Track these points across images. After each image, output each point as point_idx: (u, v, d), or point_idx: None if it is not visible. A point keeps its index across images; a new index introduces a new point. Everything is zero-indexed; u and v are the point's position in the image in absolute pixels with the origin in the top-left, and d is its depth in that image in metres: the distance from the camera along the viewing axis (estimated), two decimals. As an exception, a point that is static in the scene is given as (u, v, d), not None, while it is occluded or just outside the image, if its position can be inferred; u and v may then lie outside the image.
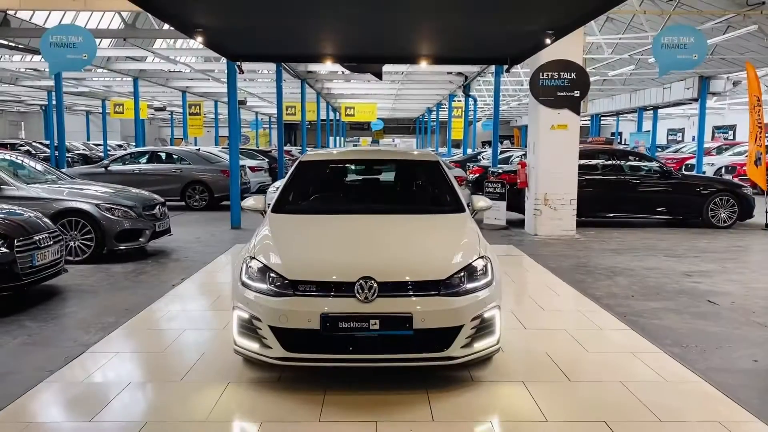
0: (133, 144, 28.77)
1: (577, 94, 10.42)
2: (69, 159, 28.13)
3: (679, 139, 39.76)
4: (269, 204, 5.00)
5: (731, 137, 34.64)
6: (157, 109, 35.12)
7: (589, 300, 6.24)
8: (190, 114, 28.21)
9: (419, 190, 5.68)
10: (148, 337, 5.00)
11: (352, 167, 6.20)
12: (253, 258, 4.03)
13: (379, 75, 10.75)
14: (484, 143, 36.55)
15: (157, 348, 4.73)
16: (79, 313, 5.73)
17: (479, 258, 4.04)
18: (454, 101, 27.30)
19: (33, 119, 46.22)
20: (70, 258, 7.84)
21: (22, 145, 30.23)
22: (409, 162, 5.82)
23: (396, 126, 58.10)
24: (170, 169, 14.54)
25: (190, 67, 19.06)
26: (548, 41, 7.15)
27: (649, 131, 27.29)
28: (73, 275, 7.14)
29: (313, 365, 3.80)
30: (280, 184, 5.63)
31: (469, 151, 24.96)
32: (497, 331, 3.99)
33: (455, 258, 3.97)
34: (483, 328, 3.88)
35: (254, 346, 3.87)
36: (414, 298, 3.73)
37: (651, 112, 28.36)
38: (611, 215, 11.75)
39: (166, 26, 13.55)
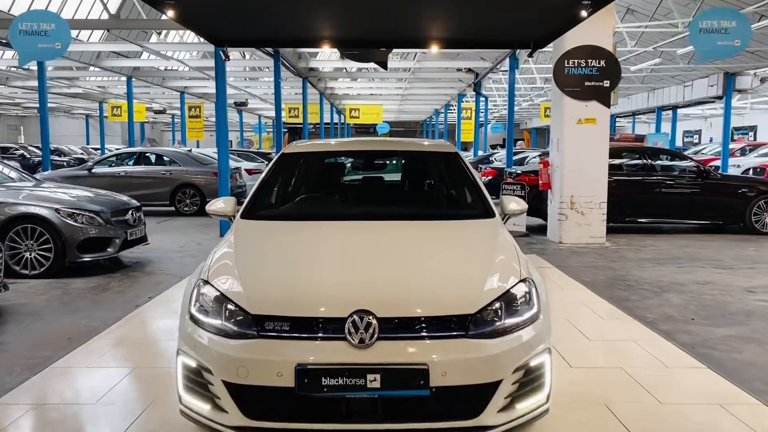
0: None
1: (606, 84, 9.26)
2: (65, 163, 27.27)
3: (696, 140, 38.45)
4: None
5: (752, 138, 33.32)
6: (157, 112, 34.13)
7: (641, 325, 5.07)
8: (189, 116, 27.16)
9: (434, 189, 4.53)
10: (83, 381, 3.86)
11: (349, 162, 5.06)
12: (207, 283, 2.91)
13: (384, 64, 9.62)
14: (492, 146, 35.33)
15: (88, 398, 3.59)
16: (8, 344, 4.61)
17: (520, 282, 2.90)
18: (464, 101, 26.16)
19: (32, 123, 45.37)
20: (26, 272, 6.76)
21: (16, 149, 29.38)
22: (420, 154, 4.66)
23: (402, 129, 57.00)
24: (159, 172, 13.45)
25: (185, 63, 18.00)
26: (584, 13, 6.00)
27: (667, 133, 26.04)
28: (19, 293, 6.05)
29: (285, 438, 2.66)
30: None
31: (480, 153, 23.77)
32: (547, 385, 2.84)
33: (488, 283, 2.83)
34: (528, 382, 2.74)
35: (204, 407, 2.73)
36: (430, 342, 2.60)
37: (669, 112, 27.13)
38: (643, 220, 10.54)
39: (153, 16, 12.49)
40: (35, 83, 23.19)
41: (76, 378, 3.90)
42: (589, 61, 9.20)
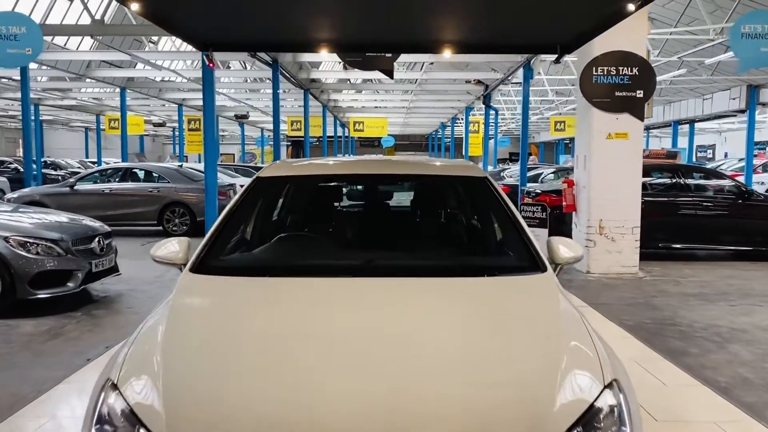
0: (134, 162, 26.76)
1: (640, 94, 8.23)
2: (60, 177, 26.34)
3: (710, 155, 37.33)
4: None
5: (770, 153, 32.18)
6: (157, 125, 33.27)
7: (716, 396, 4.00)
8: (189, 129, 26.27)
9: (459, 227, 3.46)
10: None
11: (346, 191, 3.97)
12: (116, 388, 1.87)
13: (390, 73, 8.64)
14: (499, 160, 34.31)
15: None
16: None
17: (605, 389, 1.85)
18: (472, 115, 25.19)
19: (31, 136, 44.55)
20: (-32, 311, 5.74)
21: (10, 163, 28.54)
22: (439, 180, 3.58)
23: (407, 143, 56.08)
24: (146, 189, 12.45)
25: (179, 74, 17.08)
26: (631, 7, 4.98)
27: (684, 148, 25.00)
28: (-51, 342, 5.02)
29: None
30: None
31: (490, 168, 22.70)
32: None
33: (559, 396, 1.79)
34: None
35: None
36: None
37: (683, 126, 26.09)
38: (678, 246, 9.46)
39: (141, 22, 11.56)
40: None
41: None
42: (620, 68, 8.18)
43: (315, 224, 3.35)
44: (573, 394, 1.81)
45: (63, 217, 6.97)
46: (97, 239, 6.59)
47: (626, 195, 8.28)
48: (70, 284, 6.17)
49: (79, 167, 31.32)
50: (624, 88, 8.20)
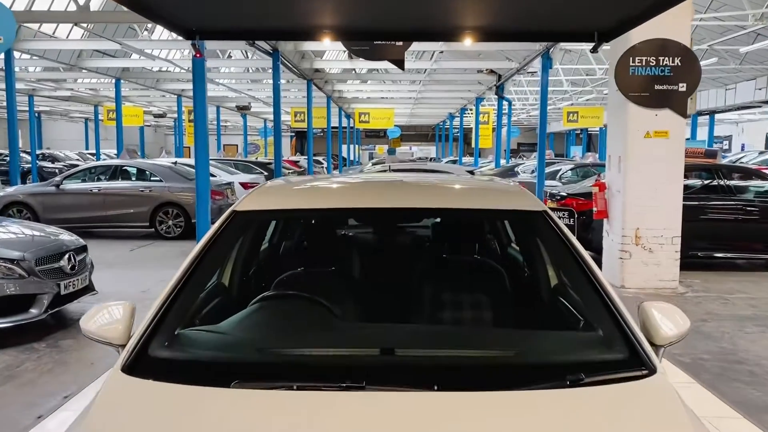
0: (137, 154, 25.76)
1: (682, 87, 7.31)
2: (56, 170, 25.53)
3: (726, 147, 36.22)
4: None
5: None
6: (157, 116, 32.41)
7: (826, 480, 3.14)
8: (189, 121, 25.41)
9: (508, 292, 2.50)
10: None
11: (349, 229, 2.99)
12: None
13: (401, 63, 7.72)
14: (512, 152, 33.31)
15: None
16: None
17: None
18: (482, 105, 24.22)
19: (26, 128, 43.82)
20: None
21: (7, 155, 27.80)
22: (476, 215, 2.63)
23: (414, 134, 55.10)
24: (137, 188, 11.60)
25: (174, 63, 16.18)
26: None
27: (704, 140, 23.99)
28: None
29: None
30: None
31: (502, 161, 21.70)
32: None
33: None
34: None
35: None
36: None
37: (704, 117, 25.09)
38: (719, 255, 8.56)
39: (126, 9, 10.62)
40: (20, 85, 21.55)
41: None
42: (661, 59, 7.26)
43: (309, 280, 2.46)
44: None
45: (31, 230, 6.13)
46: (67, 256, 5.74)
47: (666, 201, 7.38)
48: (34, 310, 5.34)
49: (77, 159, 30.52)
50: (664, 80, 7.28)
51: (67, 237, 6.14)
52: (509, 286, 2.48)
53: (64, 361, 4.88)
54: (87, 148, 38.14)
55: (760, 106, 20.37)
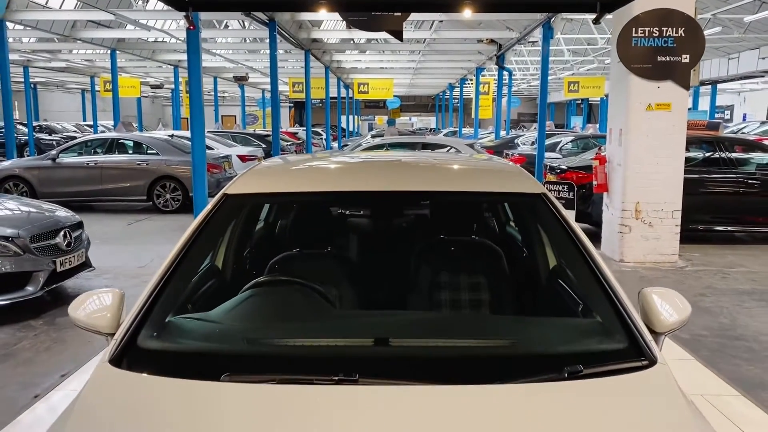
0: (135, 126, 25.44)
1: (685, 59, 7.18)
2: (54, 142, 25.31)
3: (728, 117, 35.95)
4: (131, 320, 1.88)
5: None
6: (154, 87, 32.08)
7: (823, 459, 3.14)
8: (186, 92, 25.12)
9: (507, 280, 2.46)
10: None
11: (345, 213, 2.90)
12: None
13: (399, 34, 7.57)
14: (512, 122, 33.04)
15: None
16: None
17: None
18: (482, 75, 23.94)
19: (22, 100, 43.44)
20: None
21: (2, 127, 27.57)
22: (478, 199, 2.58)
23: (413, 104, 54.67)
24: (134, 162, 11.52)
25: (170, 34, 15.93)
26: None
27: (705, 111, 23.78)
28: None
29: None
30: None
31: (502, 132, 21.51)
32: None
33: None
34: None
35: None
36: None
37: (704, 87, 24.82)
38: (720, 228, 8.52)
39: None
40: (14, 56, 21.28)
41: None
42: (664, 29, 7.12)
43: (303, 264, 2.40)
44: None
45: (27, 207, 6.07)
46: (63, 232, 5.70)
47: (667, 175, 7.31)
48: (30, 288, 5.31)
49: (75, 131, 30.27)
50: (667, 51, 7.15)
51: (62, 213, 6.08)
52: (507, 270, 2.44)
53: (62, 339, 4.87)
54: (84, 120, 37.84)
55: (763, 76, 20.13)
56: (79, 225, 6.09)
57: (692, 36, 7.18)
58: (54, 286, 5.60)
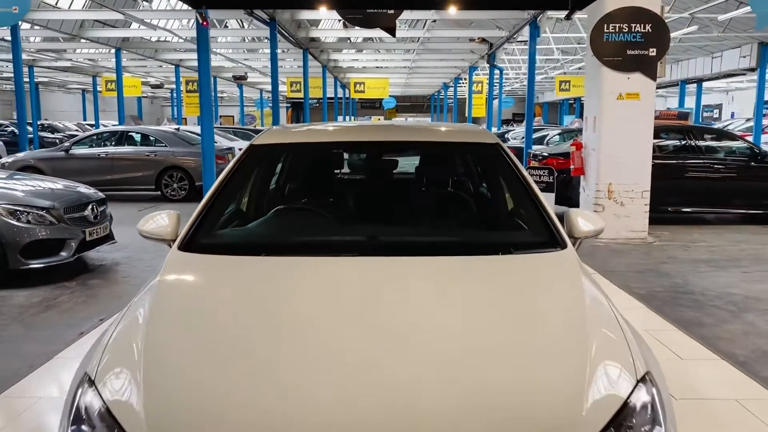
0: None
1: (653, 52, 7.89)
2: (57, 140, 25.95)
3: (716, 115, 36.76)
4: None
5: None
6: (154, 87, 32.72)
7: (735, 370, 3.83)
8: (187, 91, 25.78)
9: (469, 199, 3.23)
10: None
11: (347, 159, 3.72)
12: (93, 385, 1.68)
13: (392, 30, 8.27)
14: (505, 121, 33.84)
15: None
16: None
17: (638, 383, 1.66)
18: (475, 74, 24.65)
19: (27, 99, 44.00)
20: (-41, 281, 5.59)
21: (6, 126, 28.21)
22: (447, 147, 3.33)
23: (409, 104, 55.32)
24: (143, 153, 12.20)
25: (175, 34, 16.60)
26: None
27: (691, 108, 24.51)
28: (-62, 315, 4.86)
29: None
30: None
31: (493, 129, 22.27)
32: None
33: (588, 396, 1.59)
34: None
35: None
36: None
37: (691, 86, 25.55)
38: (688, 210, 9.23)
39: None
40: (23, 56, 21.88)
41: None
42: (633, 25, 7.83)
43: (314, 195, 3.12)
44: (603, 391, 1.61)
45: (56, 184, 6.74)
46: (90, 206, 6.38)
47: (637, 158, 8.02)
48: (63, 253, 5.99)
49: (76, 130, 30.88)
50: (636, 46, 7.86)
51: (87, 190, 6.76)
52: (468, 197, 3.18)
53: (95, 295, 5.55)
54: (85, 119, 38.45)
55: (744, 74, 20.85)
56: (104, 201, 6.77)
57: (659, 32, 7.88)
58: (83, 253, 6.28)
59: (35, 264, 5.79)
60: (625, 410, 1.58)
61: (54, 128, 29.89)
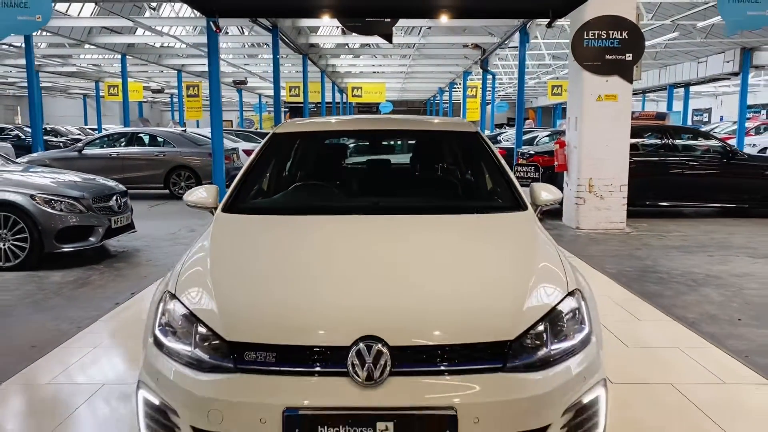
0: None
1: (629, 57, 8.57)
2: (61, 144, 26.56)
3: (706, 119, 37.56)
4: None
5: (765, 117, 32.45)
6: (155, 91, 33.38)
7: (683, 327, 4.49)
8: (188, 96, 26.39)
9: (452, 175, 3.92)
10: (40, 403, 3.30)
11: (352, 146, 4.43)
12: (174, 297, 2.31)
13: (389, 37, 8.94)
14: (498, 125, 34.54)
15: (48, 422, 3.03)
16: (-37, 353, 4.05)
17: (568, 295, 2.30)
18: (469, 79, 25.36)
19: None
20: (0, 264, 6.20)
21: (11, 130, 28.73)
22: (435, 134, 4.00)
23: (405, 109, 56.08)
24: (152, 153, 12.83)
25: (180, 40, 17.24)
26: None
27: (678, 111, 25.26)
28: (-12, 289, 5.49)
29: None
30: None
31: (487, 132, 23.00)
32: (601, 425, 2.26)
33: (529, 298, 2.23)
34: (580, 424, 2.16)
35: (169, 456, 2.16)
36: (458, 379, 2.01)
37: (680, 90, 26.30)
38: (664, 204, 9.91)
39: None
40: (25, 61, 22.48)
41: (33, 397, 3.34)
42: (611, 32, 8.51)
43: (326, 173, 3.80)
44: (540, 298, 2.25)
45: (79, 177, 7.35)
46: (114, 197, 7.01)
47: (615, 154, 8.69)
48: (92, 239, 6.62)
49: (78, 134, 31.51)
50: (614, 51, 8.54)
51: (110, 182, 7.39)
52: (452, 174, 3.86)
53: (123, 275, 6.17)
54: (86, 124, 39.06)
55: (729, 78, 21.57)
56: (125, 193, 7.39)
57: (634, 38, 8.57)
58: (109, 239, 6.91)
59: (67, 248, 6.41)
60: (556, 310, 2.22)
61: (57, 132, 30.46)
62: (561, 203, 9.30)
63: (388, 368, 1.98)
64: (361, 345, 2.00)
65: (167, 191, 12.71)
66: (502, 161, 3.45)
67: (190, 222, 9.48)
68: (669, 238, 8.22)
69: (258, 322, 2.13)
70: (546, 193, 3.32)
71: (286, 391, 1.98)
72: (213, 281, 2.33)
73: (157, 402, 2.16)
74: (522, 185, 3.41)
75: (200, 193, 3.31)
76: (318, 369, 2.01)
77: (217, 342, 2.11)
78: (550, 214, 9.92)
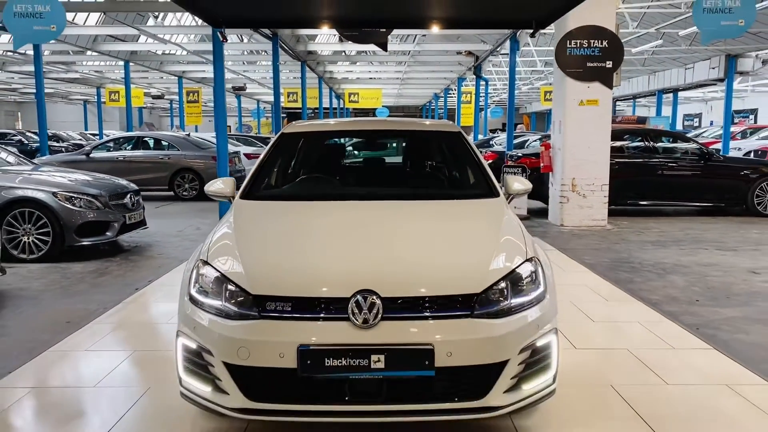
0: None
1: (609, 64, 9.14)
2: (63, 149, 27.08)
3: (696, 124, 38.26)
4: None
5: (752, 121, 33.16)
6: (155, 97, 33.89)
7: (646, 306, 5.02)
8: (188, 101, 26.98)
9: (437, 169, 4.47)
10: (82, 365, 3.82)
11: (351, 143, 5.00)
12: (207, 263, 2.84)
13: (384, 45, 9.49)
14: (492, 130, 35.16)
15: (87, 381, 3.55)
16: (6, 328, 4.56)
17: (526, 261, 2.84)
18: (464, 85, 25.98)
19: (30, 109, 45.02)
20: (24, 256, 6.71)
21: (14, 135, 29.20)
22: (423, 134, 4.57)
23: (401, 114, 56.73)
24: (157, 156, 13.35)
25: (182, 47, 17.80)
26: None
27: (667, 116, 25.88)
28: (18, 277, 6.00)
29: (287, 419, 2.61)
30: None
31: (480, 136, 23.65)
32: (554, 366, 2.79)
33: (493, 262, 2.77)
34: (535, 362, 2.69)
35: (205, 389, 2.68)
36: (435, 322, 2.55)
37: (669, 95, 26.96)
38: (644, 203, 10.47)
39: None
40: (32, 68, 23.03)
41: (74, 361, 3.86)
42: (592, 41, 9.09)
43: (329, 167, 4.36)
44: (503, 262, 2.78)
45: (93, 177, 7.87)
46: (128, 195, 7.53)
47: (596, 156, 9.24)
48: (109, 234, 7.14)
49: (80, 139, 32.04)
50: (595, 59, 9.11)
51: (123, 182, 7.92)
52: (437, 168, 4.42)
53: (139, 266, 6.69)
54: (86, 129, 39.58)
55: (715, 84, 22.20)
56: (138, 192, 7.91)
57: (614, 47, 9.14)
58: (123, 234, 7.43)
59: (86, 242, 6.93)
60: (515, 272, 2.75)
61: (59, 137, 30.99)
62: (547, 202, 9.92)
63: (380, 314, 2.51)
64: (359, 296, 2.53)
65: (172, 193, 13.23)
66: (481, 157, 4.00)
67: (195, 221, 10.01)
68: (646, 234, 8.77)
69: (277, 279, 2.66)
70: (518, 183, 3.86)
71: (299, 332, 2.51)
72: (239, 249, 2.86)
73: (194, 346, 2.68)
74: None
75: (219, 185, 3.85)
76: (324, 315, 2.55)
77: (242, 298, 2.64)
78: (537, 214, 10.49)
